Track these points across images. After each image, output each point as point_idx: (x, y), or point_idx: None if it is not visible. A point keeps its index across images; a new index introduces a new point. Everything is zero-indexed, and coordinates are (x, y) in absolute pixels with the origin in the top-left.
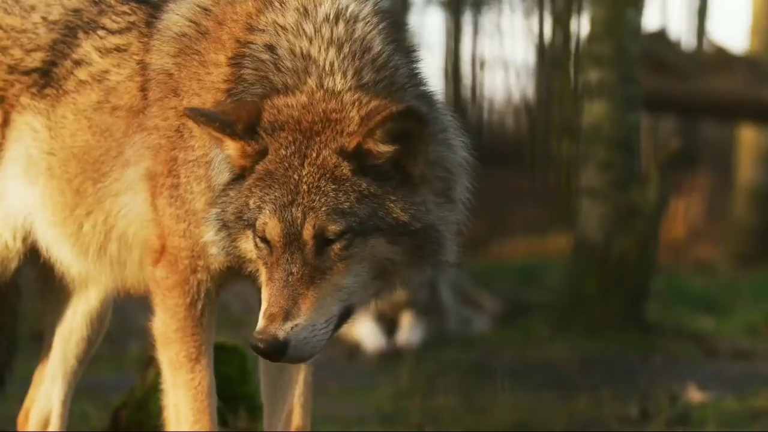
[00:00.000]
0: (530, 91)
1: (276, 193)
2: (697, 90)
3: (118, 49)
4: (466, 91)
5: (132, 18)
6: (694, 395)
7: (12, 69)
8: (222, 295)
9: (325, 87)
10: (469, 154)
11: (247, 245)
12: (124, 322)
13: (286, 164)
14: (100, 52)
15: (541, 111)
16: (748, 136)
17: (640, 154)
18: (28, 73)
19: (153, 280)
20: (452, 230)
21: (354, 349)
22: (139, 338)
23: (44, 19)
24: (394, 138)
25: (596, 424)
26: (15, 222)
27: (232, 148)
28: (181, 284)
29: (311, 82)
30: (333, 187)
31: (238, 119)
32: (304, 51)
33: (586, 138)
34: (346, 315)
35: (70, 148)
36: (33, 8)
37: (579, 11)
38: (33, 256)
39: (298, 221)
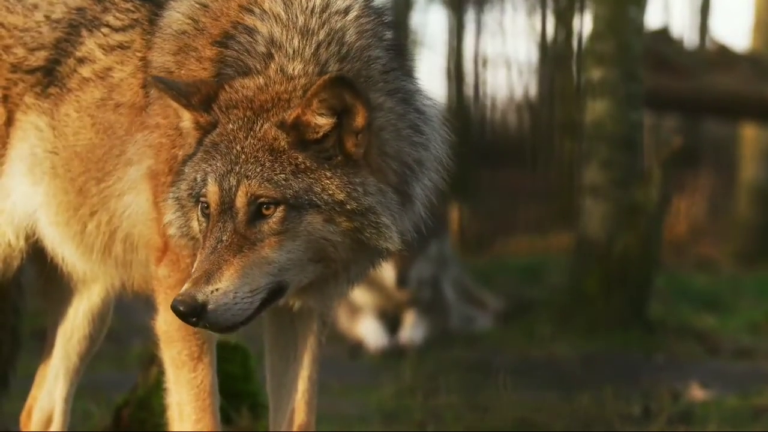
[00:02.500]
0: (533, 89)
1: (218, 164)
2: (699, 88)
3: (121, 46)
4: (469, 90)
5: (135, 15)
6: (697, 393)
7: (15, 68)
8: None
9: (284, 72)
10: (445, 157)
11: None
12: (126, 320)
13: (231, 137)
14: (103, 49)
15: (543, 109)
16: (750, 133)
17: (642, 152)
18: (31, 72)
19: (156, 278)
20: (397, 220)
21: (356, 347)
22: (141, 336)
23: (47, 17)
24: (333, 112)
25: (599, 422)
26: (19, 221)
27: (186, 118)
28: (183, 282)
29: (273, 66)
30: (270, 158)
31: (196, 92)
32: (276, 37)
33: (588, 136)
34: (278, 291)
35: (73, 147)
36: (36, 7)
37: (581, 9)
38: (35, 255)
39: (233, 189)
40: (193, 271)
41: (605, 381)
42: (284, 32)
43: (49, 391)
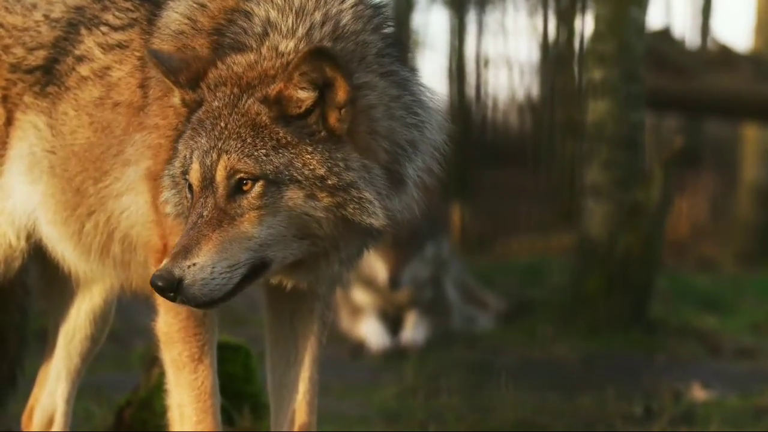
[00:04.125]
0: (534, 89)
1: (202, 140)
2: (700, 88)
3: (120, 45)
4: (471, 90)
5: (134, 14)
6: (698, 394)
7: (14, 68)
8: None
9: (277, 49)
10: (441, 143)
11: None
12: (128, 321)
13: (216, 114)
14: (102, 48)
15: (544, 109)
16: (751, 134)
17: (643, 153)
18: (30, 71)
19: None
20: (383, 197)
21: (358, 348)
22: (143, 337)
23: (46, 17)
24: (314, 86)
25: (600, 422)
26: (19, 221)
27: (176, 95)
28: None
29: (267, 44)
30: (251, 133)
31: (186, 68)
32: (272, 18)
33: (589, 136)
34: (260, 267)
35: (71, 146)
36: (35, 6)
37: (583, 10)
38: (37, 255)
39: (214, 165)
40: (173, 246)
41: (607, 381)
42: (281, 13)
43: (51, 391)
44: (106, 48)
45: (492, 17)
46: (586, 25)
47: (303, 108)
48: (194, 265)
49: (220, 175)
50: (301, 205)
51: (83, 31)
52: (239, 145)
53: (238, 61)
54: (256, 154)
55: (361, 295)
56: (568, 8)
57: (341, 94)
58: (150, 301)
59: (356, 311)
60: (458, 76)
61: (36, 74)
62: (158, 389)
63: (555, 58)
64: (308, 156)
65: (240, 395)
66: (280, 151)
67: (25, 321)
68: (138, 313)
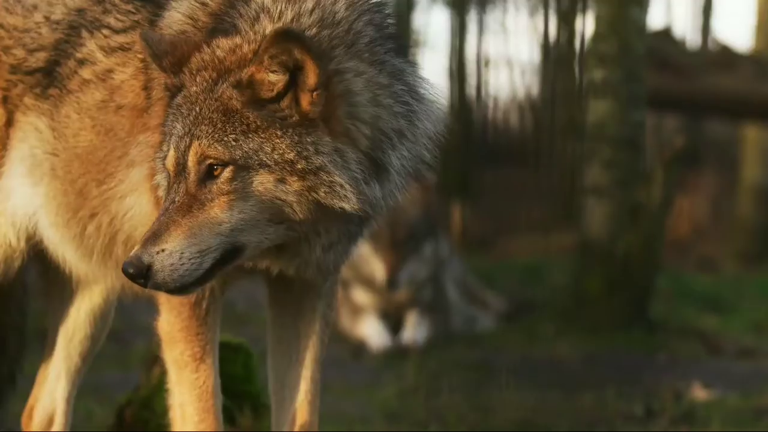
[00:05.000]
0: (535, 89)
1: (178, 125)
2: (701, 88)
3: (122, 47)
4: (471, 90)
5: (136, 16)
6: (699, 393)
7: (15, 69)
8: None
9: (263, 33)
10: (435, 134)
11: None
12: (129, 320)
13: (193, 99)
14: (104, 50)
15: (545, 109)
16: (752, 134)
17: (644, 153)
18: (31, 73)
19: None
20: (358, 182)
21: (359, 348)
22: (144, 337)
23: (47, 18)
24: (285, 68)
25: (601, 422)
26: (19, 222)
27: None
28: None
29: (256, 27)
30: (223, 118)
31: (171, 53)
32: (267, 3)
33: (590, 136)
34: (233, 252)
35: (74, 149)
36: (35, 7)
37: (584, 10)
38: (37, 255)
39: (186, 150)
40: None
41: (607, 381)
42: (276, 0)
43: (51, 391)
44: (108, 51)
45: (493, 17)
46: (586, 25)
47: (275, 91)
48: (163, 251)
49: (191, 160)
50: (272, 190)
51: (85, 33)
52: (210, 131)
53: (222, 45)
54: (225, 139)
55: (361, 295)
56: (569, 8)
57: (312, 76)
58: (152, 300)
59: (357, 311)
60: (459, 76)
61: (36, 76)
62: (159, 388)
63: (556, 58)
64: (278, 140)
65: (240, 395)
66: (250, 135)
67: (24, 321)
68: (138, 313)
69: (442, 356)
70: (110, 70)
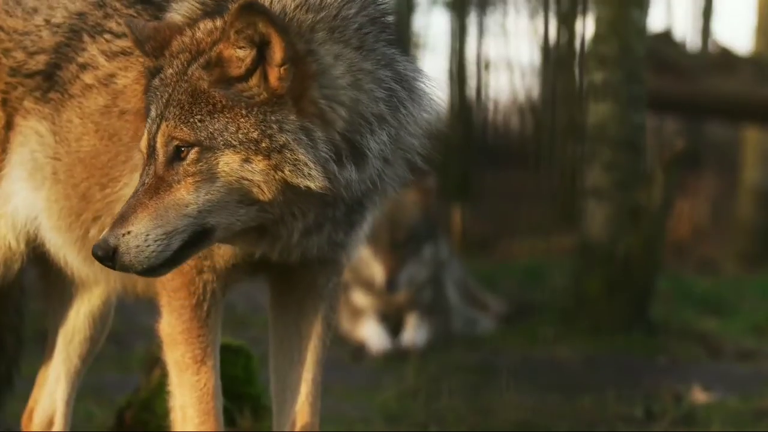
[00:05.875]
0: (535, 91)
1: (153, 109)
2: (701, 90)
3: (124, 52)
4: (471, 92)
5: (138, 20)
6: (699, 396)
7: (14, 71)
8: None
9: None
10: (424, 122)
11: None
12: (128, 322)
13: (167, 82)
14: (106, 55)
15: (546, 111)
16: (752, 136)
17: (645, 155)
18: (30, 75)
19: (159, 281)
20: (328, 162)
21: (359, 350)
22: (144, 338)
23: (47, 21)
24: (252, 43)
25: (601, 424)
26: (20, 225)
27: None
28: (186, 285)
29: None
30: (190, 100)
31: (153, 37)
32: None
33: (590, 138)
34: (203, 234)
35: (76, 153)
36: (35, 10)
37: (584, 12)
38: (36, 257)
39: (156, 132)
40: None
41: (607, 383)
42: None
43: (51, 393)
44: (110, 55)
45: (493, 19)
46: (587, 27)
47: (243, 68)
48: (129, 233)
49: (159, 142)
50: (237, 170)
51: (86, 38)
52: (178, 112)
53: (203, 27)
54: (192, 120)
55: (361, 298)
56: (569, 10)
57: (278, 50)
58: (151, 302)
59: (356, 313)
60: (459, 78)
61: (36, 79)
62: (159, 390)
63: (556, 60)
64: (242, 119)
65: (241, 397)
66: (216, 116)
67: (22, 321)
68: (138, 314)
69: (442, 358)
70: (112, 75)
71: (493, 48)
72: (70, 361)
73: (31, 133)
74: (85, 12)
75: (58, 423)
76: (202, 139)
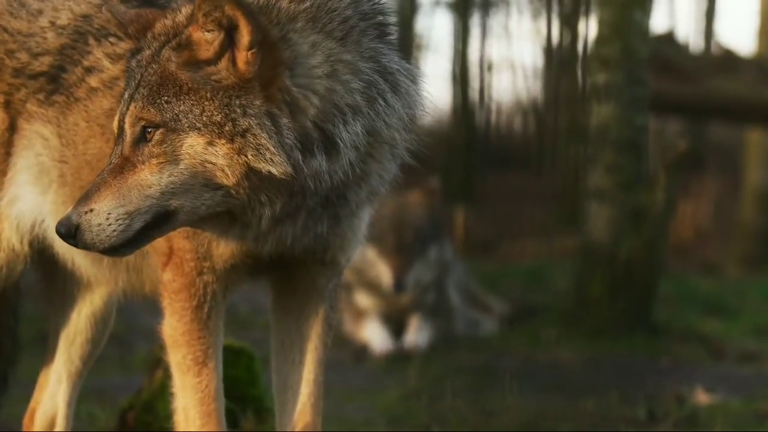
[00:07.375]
0: (538, 93)
1: (126, 90)
2: (704, 92)
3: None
4: (474, 93)
5: None
6: (702, 397)
7: (18, 72)
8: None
9: None
10: (411, 115)
11: None
12: (131, 323)
13: (142, 63)
14: (111, 58)
15: (548, 113)
16: (755, 138)
17: (647, 156)
18: (34, 77)
19: (161, 283)
20: (293, 148)
21: (361, 351)
22: (146, 340)
23: (52, 23)
24: (219, 26)
25: (603, 426)
26: (24, 227)
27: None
28: (187, 287)
29: None
30: (159, 81)
31: (136, 20)
32: None
33: (593, 140)
34: (166, 216)
35: (84, 156)
36: (40, 12)
37: (586, 13)
38: (38, 259)
39: (124, 114)
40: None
41: (610, 385)
42: None
43: (52, 394)
44: (115, 58)
45: (496, 21)
46: (589, 28)
47: (212, 51)
48: (91, 211)
49: (127, 123)
50: (201, 153)
51: (92, 41)
52: (146, 93)
53: (184, 12)
54: (158, 101)
55: (364, 299)
56: (572, 12)
57: (245, 34)
58: (154, 303)
59: (359, 315)
60: (462, 80)
61: (40, 80)
62: (161, 392)
63: (558, 61)
64: (207, 102)
65: (243, 398)
66: (182, 98)
67: (18, 323)
68: (140, 316)
69: (444, 360)
70: (117, 78)
71: (495, 49)
72: (71, 363)
73: (36, 137)
74: (90, 15)
75: (60, 424)
76: (168, 120)
